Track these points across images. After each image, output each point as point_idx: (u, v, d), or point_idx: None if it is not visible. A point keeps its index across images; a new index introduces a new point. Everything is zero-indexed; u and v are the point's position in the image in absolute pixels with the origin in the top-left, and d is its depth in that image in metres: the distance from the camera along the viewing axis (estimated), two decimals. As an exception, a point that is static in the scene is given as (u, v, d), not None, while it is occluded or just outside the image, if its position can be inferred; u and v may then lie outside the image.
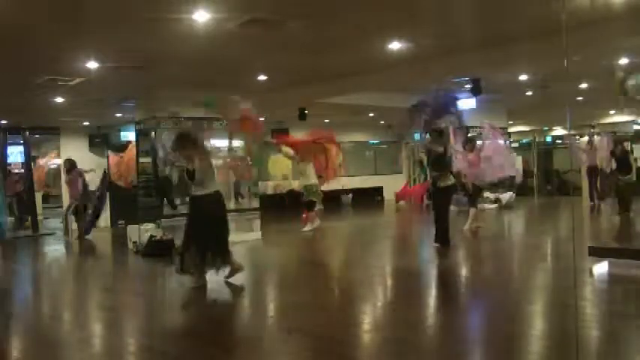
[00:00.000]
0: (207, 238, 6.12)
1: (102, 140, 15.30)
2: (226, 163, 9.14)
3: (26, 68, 8.35)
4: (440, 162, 8.03)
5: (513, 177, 11.66)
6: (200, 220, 6.15)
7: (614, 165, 12.05)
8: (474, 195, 9.82)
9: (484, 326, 4.70)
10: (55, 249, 11.37)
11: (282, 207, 15.63)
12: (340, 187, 16.65)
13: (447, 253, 7.67)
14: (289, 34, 7.09)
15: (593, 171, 13.51)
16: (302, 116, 13.60)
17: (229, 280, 6.36)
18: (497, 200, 14.67)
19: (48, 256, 10.68)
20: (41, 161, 14.94)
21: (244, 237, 9.79)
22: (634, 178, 11.72)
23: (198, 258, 6.09)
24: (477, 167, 9.44)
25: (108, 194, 13.06)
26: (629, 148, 13.83)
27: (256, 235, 10.41)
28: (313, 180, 11.06)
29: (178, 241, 8.90)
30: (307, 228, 10.97)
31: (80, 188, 11.62)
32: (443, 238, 8.01)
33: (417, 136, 20.73)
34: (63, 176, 12.16)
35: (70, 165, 11.80)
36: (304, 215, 11.16)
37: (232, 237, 6.78)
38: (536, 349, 4.01)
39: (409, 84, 12.26)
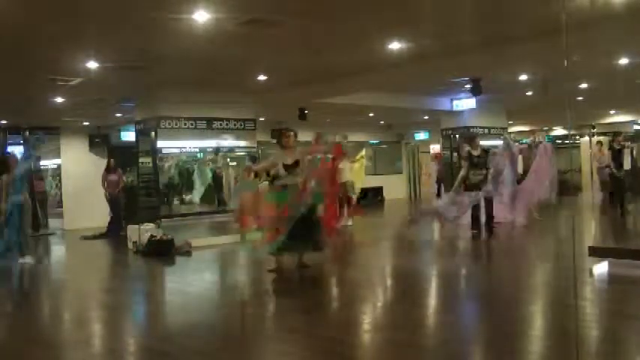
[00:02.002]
0: (299, 222, 6.43)
1: (102, 140, 15.29)
2: None
3: (26, 68, 8.34)
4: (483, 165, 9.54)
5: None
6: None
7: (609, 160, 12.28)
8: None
9: (484, 326, 4.70)
10: (53, 249, 11.37)
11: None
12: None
13: (449, 252, 7.69)
14: (289, 34, 7.08)
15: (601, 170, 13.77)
16: (302, 116, 13.58)
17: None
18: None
19: (47, 256, 10.67)
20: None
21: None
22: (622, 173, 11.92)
23: (292, 241, 6.43)
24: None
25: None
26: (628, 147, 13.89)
27: None
28: (348, 178, 11.40)
29: (178, 241, 8.98)
30: (349, 223, 11.55)
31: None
32: (489, 226, 9.35)
33: (417, 136, 20.89)
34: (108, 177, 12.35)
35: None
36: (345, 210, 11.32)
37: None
38: (536, 348, 4.01)
39: (409, 84, 12.28)
